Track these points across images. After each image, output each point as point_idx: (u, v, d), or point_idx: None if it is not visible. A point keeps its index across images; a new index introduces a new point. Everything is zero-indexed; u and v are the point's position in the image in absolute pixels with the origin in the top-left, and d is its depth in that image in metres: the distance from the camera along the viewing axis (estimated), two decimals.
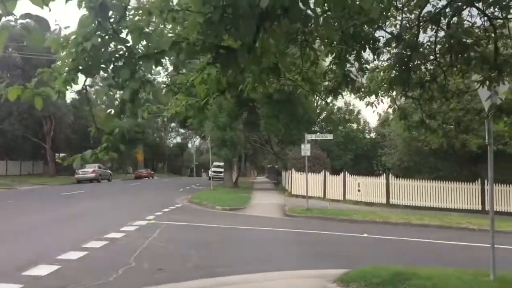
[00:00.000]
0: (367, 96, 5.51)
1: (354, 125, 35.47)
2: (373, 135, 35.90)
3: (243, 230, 13.24)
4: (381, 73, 5.03)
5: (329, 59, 4.06)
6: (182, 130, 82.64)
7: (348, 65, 4.33)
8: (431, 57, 4.62)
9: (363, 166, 31.97)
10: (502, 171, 19.84)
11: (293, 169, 24.88)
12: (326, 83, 4.80)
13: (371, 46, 3.75)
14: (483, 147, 18.38)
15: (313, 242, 11.58)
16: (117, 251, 9.46)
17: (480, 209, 19.76)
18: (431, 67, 4.74)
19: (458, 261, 10.05)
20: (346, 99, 42.15)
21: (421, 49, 4.14)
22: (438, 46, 4.37)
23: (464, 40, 3.78)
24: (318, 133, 25.16)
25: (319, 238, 12.24)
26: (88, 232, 11.53)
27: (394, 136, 23.64)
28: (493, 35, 3.94)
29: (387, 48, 4.50)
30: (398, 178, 21.15)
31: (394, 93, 5.52)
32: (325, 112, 36.05)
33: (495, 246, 12.28)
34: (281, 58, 3.71)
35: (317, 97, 39.99)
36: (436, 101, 5.24)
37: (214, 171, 48.91)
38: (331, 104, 38.82)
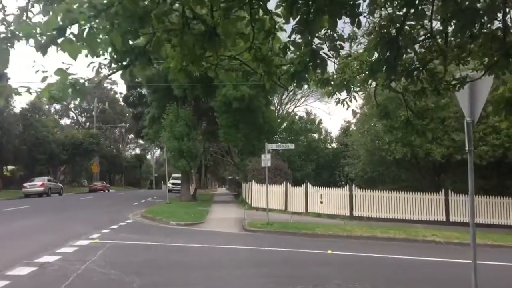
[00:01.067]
0: (336, 92, 4.51)
1: (316, 135, 34.86)
2: (334, 145, 35.39)
3: (198, 249, 12.01)
4: (358, 58, 4.04)
5: (292, 25, 2.99)
6: (141, 142, 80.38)
7: (316, 41, 3.30)
8: (422, 37, 3.67)
9: (325, 177, 31.28)
10: (467, 180, 19.48)
11: (253, 181, 23.80)
12: (287, 65, 3.72)
13: (348, 11, 2.72)
14: (447, 157, 17.96)
15: (274, 262, 10.48)
16: (45, 280, 8.07)
17: (444, 220, 19.28)
18: (422, 50, 3.79)
19: (431, 280, 9.22)
20: (307, 108, 41.81)
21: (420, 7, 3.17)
22: (436, 22, 3.44)
23: (473, 5, 2.85)
24: (279, 143, 24.26)
25: (280, 257, 11.16)
26: (17, 255, 10.03)
27: (357, 146, 23.02)
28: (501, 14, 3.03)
29: (370, 17, 3.50)
30: (361, 189, 20.43)
31: (373, 85, 4.57)
32: (286, 122, 35.29)
33: (466, 261, 11.59)
34: (220, 18, 2.58)
35: (277, 100, 39.23)
36: (427, 95, 4.31)
37: (173, 183, 47.39)
38: (292, 113, 38.28)
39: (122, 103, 64.90)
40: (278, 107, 40.76)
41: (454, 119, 17.51)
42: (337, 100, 4.72)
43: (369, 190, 20.30)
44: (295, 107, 43.28)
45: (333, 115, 61.02)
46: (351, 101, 4.72)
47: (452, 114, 17.51)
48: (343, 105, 4.70)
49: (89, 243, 12.05)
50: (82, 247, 11.41)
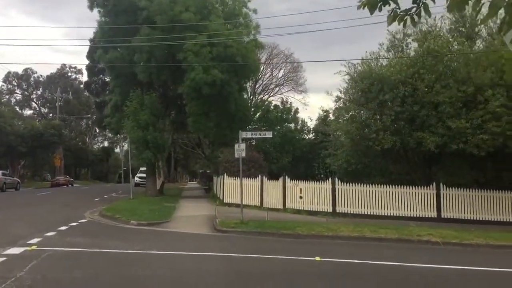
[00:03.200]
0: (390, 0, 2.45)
1: (292, 125, 32.84)
2: (311, 135, 33.48)
3: (158, 258, 9.79)
4: None
5: None
6: (110, 134, 76.50)
7: None
8: None
9: (302, 169, 29.34)
10: (461, 172, 17.89)
11: (225, 174, 21.62)
12: None
13: None
14: (441, 146, 16.24)
15: (251, 274, 8.39)
16: None
17: (435, 216, 17.58)
18: None
19: None
20: (283, 97, 39.78)
21: None
22: None
23: None
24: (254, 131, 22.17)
25: (259, 267, 9.06)
26: None
27: (338, 135, 21.05)
28: None
29: None
30: (345, 183, 18.50)
31: None
32: (260, 111, 33.13)
33: (477, 268, 9.78)
34: None
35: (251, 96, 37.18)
36: None
37: (140, 177, 44.73)
38: (266, 102, 36.15)
39: (88, 94, 61.39)
40: (252, 97, 38.60)
41: (449, 104, 15.76)
42: (391, 12, 2.64)
43: (353, 184, 18.39)
44: (269, 96, 41.21)
45: (308, 106, 59.41)
46: (419, 14, 2.67)
47: (447, 99, 15.74)
48: (404, 24, 2.66)
49: (23, 251, 9.73)
50: (11, 257, 9.09)
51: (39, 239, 11.38)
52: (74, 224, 14.97)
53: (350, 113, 18.44)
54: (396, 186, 17.99)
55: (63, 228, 13.81)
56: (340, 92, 19.09)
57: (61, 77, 75.04)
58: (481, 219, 17.34)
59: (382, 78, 16.86)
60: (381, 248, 12.36)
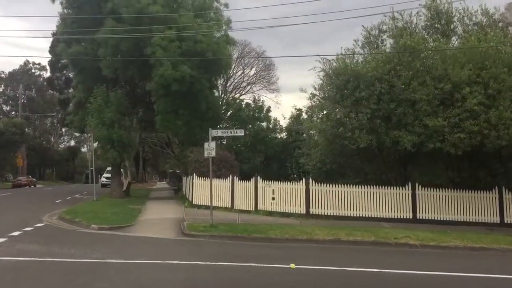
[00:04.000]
0: None
1: (264, 124, 32.08)
2: (284, 134, 32.79)
3: (117, 268, 8.81)
4: None
5: None
6: (76, 134, 73.84)
7: None
8: None
9: (275, 169, 28.63)
10: (437, 172, 17.50)
11: (194, 174, 20.68)
12: None
13: None
14: (418, 145, 15.76)
15: (218, 287, 7.53)
16: None
17: (411, 217, 17.09)
18: None
19: None
20: (255, 96, 38.98)
21: None
22: None
23: None
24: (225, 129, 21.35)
25: (227, 278, 8.20)
26: None
27: (313, 134, 20.38)
28: None
29: None
30: (319, 183, 17.82)
31: None
32: (231, 110, 32.21)
33: (454, 273, 9.21)
34: None
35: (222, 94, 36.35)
36: None
37: (107, 178, 43.01)
38: (238, 100, 35.26)
39: (51, 90, 59.10)
40: (223, 95, 37.66)
41: (426, 102, 15.26)
42: None
43: (328, 184, 17.72)
44: (240, 95, 40.34)
45: (281, 105, 58.77)
46: None
47: (424, 97, 15.24)
48: None
49: None
50: None
51: None
52: (29, 229, 13.79)
53: (325, 111, 17.79)
54: (371, 187, 17.45)
55: (16, 233, 12.66)
56: (315, 89, 18.42)
57: (24, 74, 72.27)
58: (457, 219, 16.94)
59: (358, 75, 16.25)
60: (358, 253, 11.76)
